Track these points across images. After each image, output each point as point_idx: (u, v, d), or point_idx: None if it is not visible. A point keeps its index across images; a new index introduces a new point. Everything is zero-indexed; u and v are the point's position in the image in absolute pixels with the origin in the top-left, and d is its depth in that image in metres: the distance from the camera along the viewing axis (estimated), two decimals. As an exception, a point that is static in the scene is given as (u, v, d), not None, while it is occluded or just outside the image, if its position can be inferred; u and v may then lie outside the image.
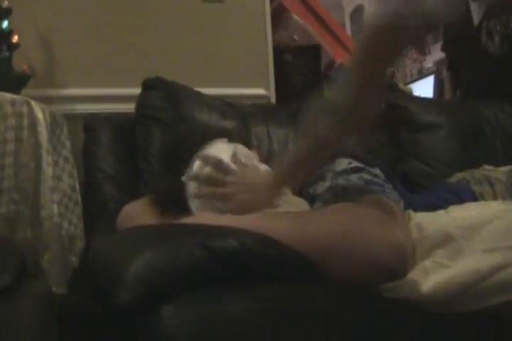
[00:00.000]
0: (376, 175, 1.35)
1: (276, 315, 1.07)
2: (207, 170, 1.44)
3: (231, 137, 1.55)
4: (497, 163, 1.80)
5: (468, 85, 3.13)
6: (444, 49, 3.48)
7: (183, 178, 1.45)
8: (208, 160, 1.45)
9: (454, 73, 3.35)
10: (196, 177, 1.44)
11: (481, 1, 3.09)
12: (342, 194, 1.26)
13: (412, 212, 1.32)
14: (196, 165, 1.45)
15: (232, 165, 1.44)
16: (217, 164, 1.44)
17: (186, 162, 1.47)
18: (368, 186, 1.27)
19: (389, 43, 1.13)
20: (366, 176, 1.32)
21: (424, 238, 1.18)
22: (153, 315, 1.01)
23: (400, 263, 1.12)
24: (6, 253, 1.26)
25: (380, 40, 1.13)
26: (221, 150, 1.48)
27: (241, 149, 1.52)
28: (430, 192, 1.74)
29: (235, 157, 1.47)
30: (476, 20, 3.08)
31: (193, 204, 1.45)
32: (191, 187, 1.45)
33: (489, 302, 1.07)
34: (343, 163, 1.39)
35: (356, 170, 1.35)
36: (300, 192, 1.45)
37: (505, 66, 2.88)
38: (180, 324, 1.00)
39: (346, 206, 1.23)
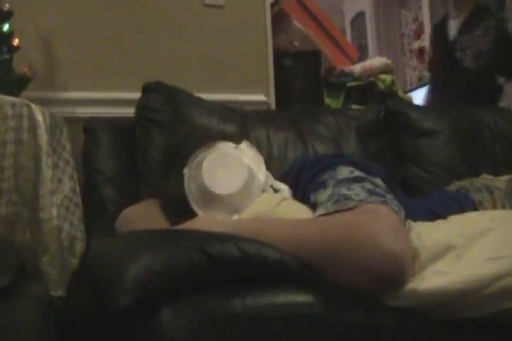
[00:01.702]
0: (378, 185, 1.35)
1: (273, 320, 1.07)
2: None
3: (232, 140, 1.55)
4: (497, 169, 1.81)
5: (446, 99, 3.22)
6: (429, 68, 3.62)
7: (185, 170, 1.46)
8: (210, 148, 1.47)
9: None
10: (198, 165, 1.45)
11: (459, 18, 3.20)
12: (343, 202, 1.26)
13: (412, 222, 1.31)
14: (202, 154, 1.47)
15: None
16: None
17: (187, 164, 1.47)
18: (369, 196, 1.26)
19: None
20: (368, 186, 1.32)
21: (424, 248, 1.17)
22: (152, 317, 1.01)
23: (399, 273, 1.11)
24: (5, 255, 1.26)
25: None
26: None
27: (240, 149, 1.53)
28: (430, 197, 1.74)
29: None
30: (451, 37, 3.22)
31: (193, 199, 1.45)
32: (193, 187, 1.45)
33: (490, 310, 1.07)
34: (344, 172, 1.38)
35: (358, 179, 1.34)
36: (301, 197, 1.45)
37: (479, 79, 2.96)
38: (179, 327, 1.01)
39: (347, 215, 1.23)
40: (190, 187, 1.45)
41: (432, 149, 2.15)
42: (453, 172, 2.04)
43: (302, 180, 1.47)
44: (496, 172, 1.76)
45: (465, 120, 2.23)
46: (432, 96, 3.71)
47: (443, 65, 3.46)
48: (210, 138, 1.54)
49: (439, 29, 3.65)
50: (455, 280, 1.08)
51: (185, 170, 1.47)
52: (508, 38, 3.50)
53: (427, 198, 1.73)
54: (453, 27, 3.46)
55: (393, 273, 1.11)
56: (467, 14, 3.47)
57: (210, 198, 1.44)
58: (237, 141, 1.56)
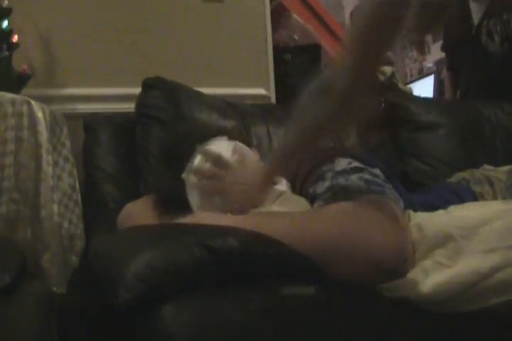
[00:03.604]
0: (376, 175, 1.35)
1: (276, 315, 1.06)
2: (207, 165, 1.45)
3: (231, 136, 1.55)
4: (497, 162, 1.81)
5: (468, 85, 3.13)
6: (444, 49, 3.47)
7: (184, 175, 1.46)
8: (208, 155, 1.45)
9: (454, 73, 3.35)
10: (196, 171, 1.44)
11: (481, 1, 3.09)
12: (342, 194, 1.26)
13: (411, 212, 1.31)
14: (197, 159, 1.46)
15: (231, 160, 1.45)
16: (217, 159, 1.45)
17: (186, 160, 1.47)
18: (368, 186, 1.27)
19: (389, 19, 1.12)
20: (366, 176, 1.32)
21: (424, 238, 1.17)
22: (153, 314, 1.01)
23: (399, 263, 1.12)
24: (6, 253, 1.26)
25: (379, 16, 1.12)
26: (221, 146, 1.49)
27: (240, 146, 1.53)
28: (430, 191, 1.73)
29: (233, 153, 1.47)
30: (476, 20, 3.08)
31: (193, 202, 1.45)
32: (191, 184, 1.45)
33: (489, 302, 1.06)
34: (343, 163, 1.38)
35: (356, 170, 1.34)
36: (299, 191, 1.45)
37: (506, 66, 2.88)
38: (180, 323, 1.00)
39: (346, 206, 1.23)
40: (189, 190, 1.46)
41: (432, 143, 2.15)
42: (453, 166, 2.03)
43: (301, 173, 1.47)
44: (496, 165, 1.76)
45: (465, 113, 2.22)
46: (450, 82, 3.60)
47: (465, 50, 3.36)
48: (208, 134, 1.54)
49: (460, 13, 3.50)
50: (455, 273, 1.08)
51: (184, 168, 1.47)
52: None
53: (426, 192, 1.73)
54: (474, 9, 3.34)
55: (394, 262, 1.11)
56: None
57: (209, 200, 1.44)
58: (234, 136, 1.56)
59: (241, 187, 1.42)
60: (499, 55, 2.94)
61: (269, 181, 1.40)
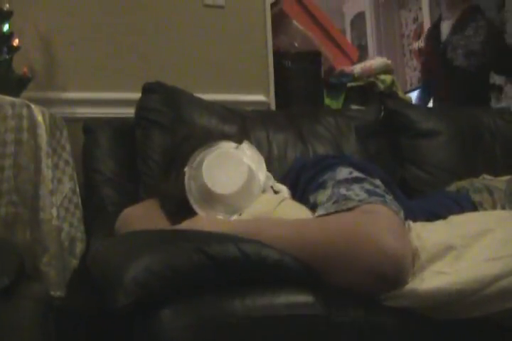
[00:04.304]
0: (377, 186, 1.35)
1: (273, 321, 1.07)
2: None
3: (233, 140, 1.55)
4: (496, 170, 1.81)
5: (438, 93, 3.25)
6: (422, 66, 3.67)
7: (185, 169, 1.46)
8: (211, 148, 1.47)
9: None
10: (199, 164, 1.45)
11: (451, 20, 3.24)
12: (343, 203, 1.26)
13: (411, 223, 1.31)
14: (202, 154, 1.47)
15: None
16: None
17: (187, 161, 1.48)
18: (369, 196, 1.27)
19: None
20: (367, 186, 1.32)
21: (424, 248, 1.17)
22: (152, 318, 1.01)
23: (399, 273, 1.12)
24: (5, 256, 1.26)
25: None
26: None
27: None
28: (430, 198, 1.74)
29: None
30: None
31: (193, 199, 1.45)
32: (193, 186, 1.45)
33: (490, 310, 1.07)
34: (344, 172, 1.38)
35: (357, 180, 1.35)
36: (300, 198, 1.45)
37: (469, 79, 2.98)
38: (179, 328, 1.01)
39: (347, 215, 1.23)
40: (190, 187, 1.46)
41: (431, 150, 2.15)
42: (453, 173, 2.03)
43: (301, 181, 1.47)
44: (496, 173, 1.76)
45: (465, 121, 2.23)
46: (425, 97, 3.73)
47: (436, 65, 3.49)
48: (210, 137, 1.55)
49: (433, 30, 3.68)
50: (455, 280, 1.08)
51: (186, 170, 1.47)
52: (499, 37, 3.54)
53: (426, 199, 1.73)
54: (446, 28, 3.49)
55: (393, 272, 1.11)
56: (458, 15, 3.49)
57: (210, 198, 1.44)
58: (237, 141, 1.56)
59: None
60: (464, 69, 3.07)
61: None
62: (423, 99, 4.02)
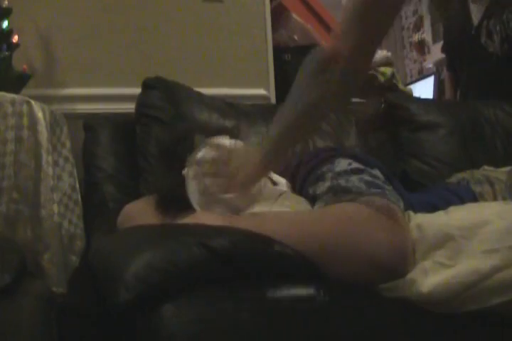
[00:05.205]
0: (376, 177, 1.35)
1: (275, 315, 1.06)
2: (212, 154, 1.45)
3: (232, 135, 1.55)
4: (497, 162, 1.81)
5: (468, 86, 3.13)
6: (444, 50, 3.48)
7: (185, 171, 1.46)
8: (212, 145, 1.47)
9: (454, 74, 3.35)
10: (201, 161, 1.44)
11: (480, 2, 3.10)
12: (342, 195, 1.26)
13: (411, 213, 1.31)
14: (202, 151, 1.46)
15: (234, 147, 1.47)
16: (221, 146, 1.47)
17: (186, 157, 1.47)
18: (368, 188, 1.27)
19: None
20: (366, 178, 1.32)
21: (423, 238, 1.17)
22: (153, 314, 1.01)
23: (399, 263, 1.12)
24: (6, 253, 1.26)
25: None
26: (224, 141, 1.50)
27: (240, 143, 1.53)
28: (430, 191, 1.73)
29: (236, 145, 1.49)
30: (475, 21, 3.09)
31: (194, 200, 1.45)
32: (192, 182, 1.45)
33: (489, 303, 1.06)
34: (343, 164, 1.38)
35: (356, 171, 1.34)
36: (299, 191, 1.45)
37: (505, 66, 2.88)
38: (180, 323, 1.00)
39: (346, 206, 1.23)
40: (190, 186, 1.45)
41: (432, 143, 2.15)
42: (453, 166, 2.03)
43: (300, 174, 1.47)
44: (496, 166, 1.76)
45: (465, 113, 2.22)
46: (450, 83, 3.60)
47: (465, 50, 3.37)
48: (209, 134, 1.54)
49: (460, 14, 3.51)
50: (456, 273, 1.08)
51: (185, 169, 1.47)
52: None
53: (425, 192, 1.73)
54: (474, 10, 3.35)
55: (394, 262, 1.11)
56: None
57: (210, 197, 1.44)
58: (234, 135, 1.56)
59: (245, 170, 1.42)
60: (499, 55, 2.94)
61: (268, 163, 1.41)
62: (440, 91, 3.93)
